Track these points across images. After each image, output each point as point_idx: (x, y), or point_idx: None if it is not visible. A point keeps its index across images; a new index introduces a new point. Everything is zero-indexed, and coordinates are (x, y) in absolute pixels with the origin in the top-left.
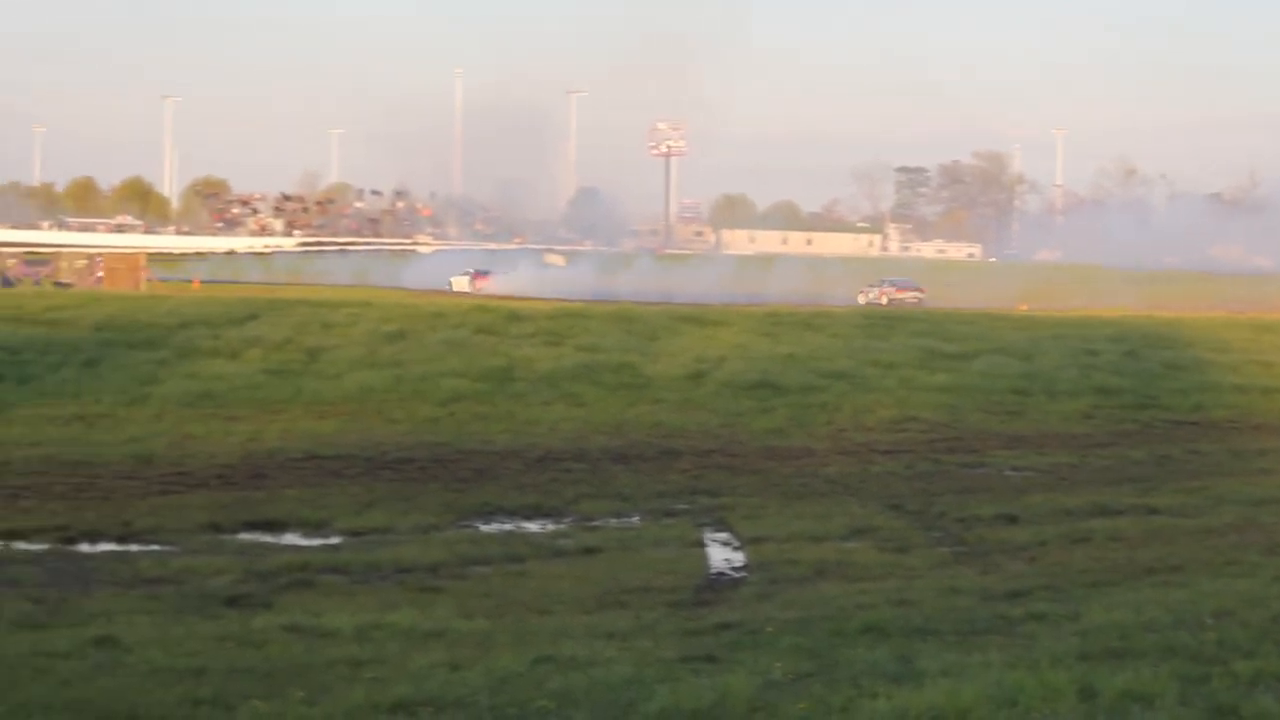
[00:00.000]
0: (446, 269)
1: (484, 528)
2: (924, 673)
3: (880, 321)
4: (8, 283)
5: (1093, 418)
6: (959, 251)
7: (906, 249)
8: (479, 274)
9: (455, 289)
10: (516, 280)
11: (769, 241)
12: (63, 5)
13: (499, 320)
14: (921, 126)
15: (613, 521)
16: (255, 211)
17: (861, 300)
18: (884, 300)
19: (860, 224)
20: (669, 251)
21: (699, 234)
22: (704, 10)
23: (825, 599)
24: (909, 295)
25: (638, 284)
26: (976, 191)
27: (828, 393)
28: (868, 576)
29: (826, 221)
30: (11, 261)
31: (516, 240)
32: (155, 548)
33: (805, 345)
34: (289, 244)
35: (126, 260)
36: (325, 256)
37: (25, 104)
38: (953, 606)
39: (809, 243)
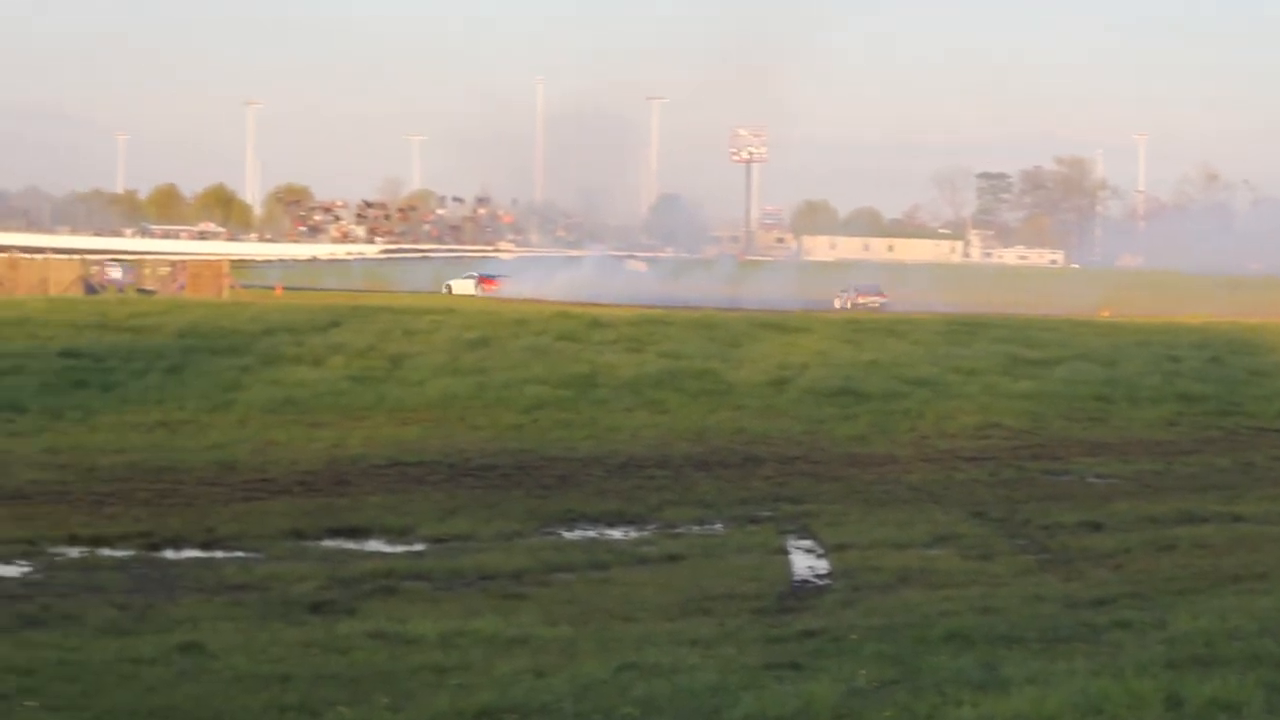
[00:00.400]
0: (526, 274)
1: (567, 535)
2: (1009, 680)
3: (962, 328)
4: (92, 290)
5: (1176, 424)
6: (1041, 258)
7: (988, 255)
8: (485, 278)
9: (455, 292)
10: (548, 284)
11: (850, 248)
12: (145, 12)
13: (581, 327)
14: (1003, 132)
15: (695, 528)
16: (337, 218)
17: (837, 304)
18: (848, 305)
19: (942, 230)
20: (750, 258)
21: (780, 240)
22: (785, 17)
23: (909, 606)
24: (871, 300)
25: (692, 290)
26: (1059, 197)
27: (910, 399)
28: (951, 584)
29: (908, 228)
30: (95, 269)
31: (598, 247)
32: (239, 554)
33: (887, 352)
34: (371, 251)
35: (210, 267)
36: (406, 263)
37: (108, 111)
38: (1037, 614)
39: (890, 249)
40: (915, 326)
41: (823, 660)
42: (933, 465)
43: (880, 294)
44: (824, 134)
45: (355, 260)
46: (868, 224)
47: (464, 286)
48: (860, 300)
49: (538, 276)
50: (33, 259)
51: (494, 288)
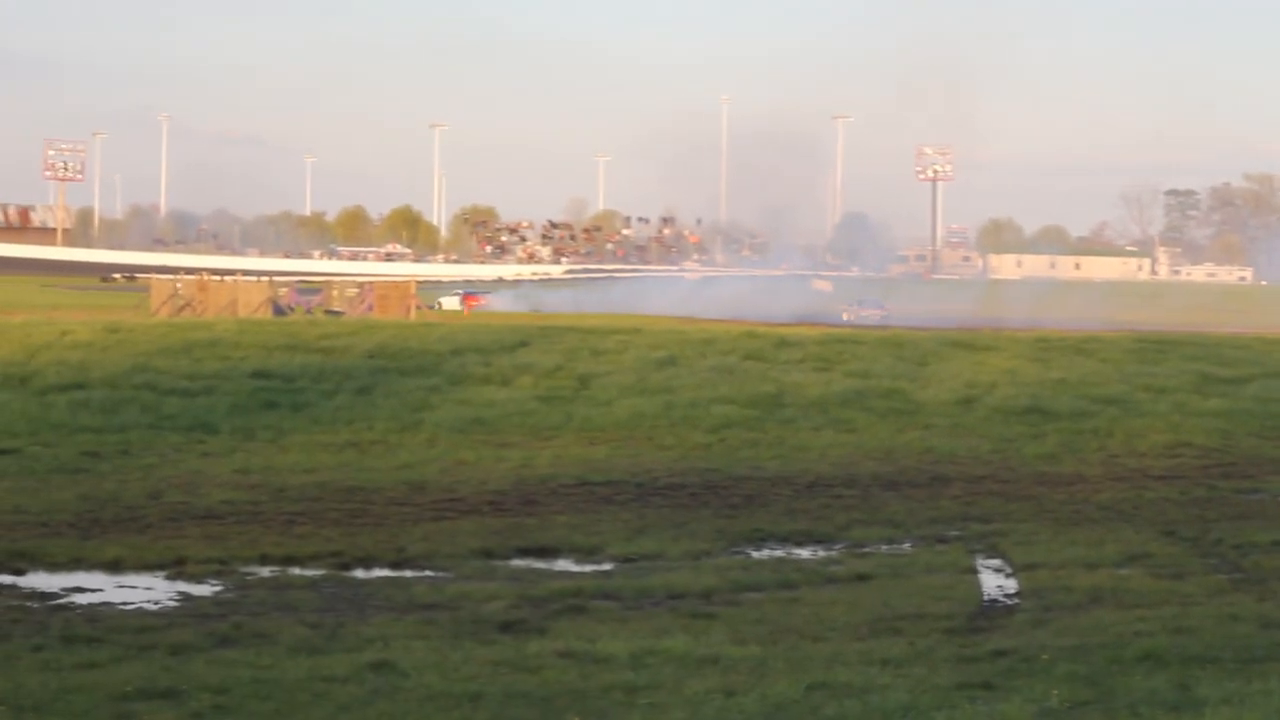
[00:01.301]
0: (708, 294)
1: (755, 554)
2: (1204, 701)
3: (1152, 346)
4: (280, 311)
5: None
6: (1229, 275)
7: (1177, 273)
8: (469, 295)
9: (445, 308)
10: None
11: (1036, 265)
12: (330, 36)
13: (768, 346)
14: (1191, 149)
15: (884, 548)
16: (523, 239)
17: (845, 317)
18: (848, 317)
19: (1129, 248)
20: (936, 276)
21: (966, 259)
22: (970, 35)
23: (1101, 626)
24: (868, 312)
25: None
26: (1247, 214)
27: (1099, 418)
28: (1143, 603)
29: (1095, 245)
30: (284, 290)
31: (783, 266)
32: (429, 573)
33: (1076, 370)
34: (556, 271)
35: (397, 288)
36: (593, 283)
37: (296, 135)
38: (1231, 634)
39: (1077, 267)
40: (1104, 345)
41: (1015, 680)
42: (1122, 484)
43: (880, 308)
44: (1010, 152)
45: (540, 281)
46: (1054, 242)
47: (451, 303)
48: (862, 312)
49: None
50: (222, 281)
51: (475, 304)
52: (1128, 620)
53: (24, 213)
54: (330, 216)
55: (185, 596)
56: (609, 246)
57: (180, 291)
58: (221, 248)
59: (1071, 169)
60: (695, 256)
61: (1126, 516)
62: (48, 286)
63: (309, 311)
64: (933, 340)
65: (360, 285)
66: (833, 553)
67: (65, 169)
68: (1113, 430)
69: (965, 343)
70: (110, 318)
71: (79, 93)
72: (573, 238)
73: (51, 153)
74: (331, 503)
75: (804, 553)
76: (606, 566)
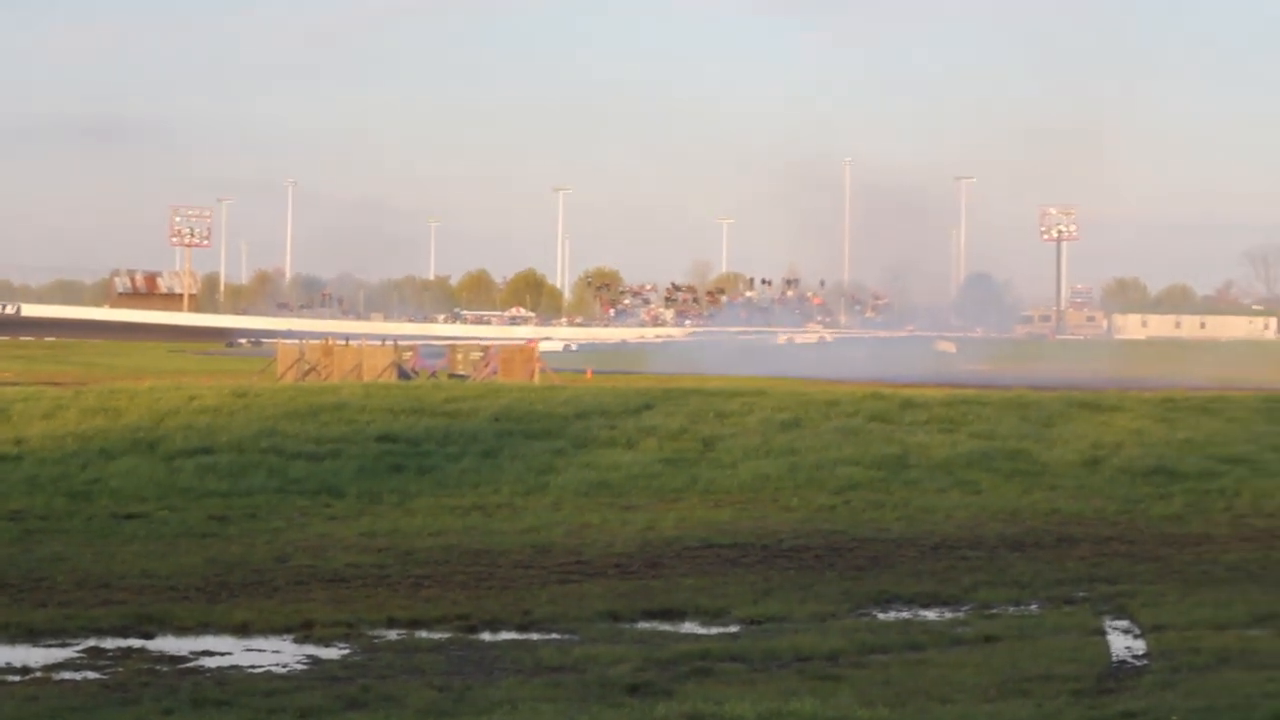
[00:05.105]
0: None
1: (881, 616)
2: None
3: None
4: (405, 375)
5: None
6: None
7: None
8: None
9: None
10: None
11: (1162, 325)
12: (454, 103)
13: (892, 408)
14: None
15: (1011, 609)
16: (646, 302)
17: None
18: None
19: (1255, 307)
20: (1061, 337)
21: (1091, 319)
22: (1092, 95)
23: (1230, 687)
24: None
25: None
26: None
27: (1227, 478)
28: (1273, 664)
29: (1220, 305)
30: (408, 355)
31: (908, 327)
32: (555, 636)
33: (1202, 430)
34: (679, 333)
35: (521, 351)
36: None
37: (420, 199)
38: None
39: (1203, 326)
40: (1231, 404)
41: None
42: (1250, 544)
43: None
44: (1135, 210)
45: (663, 343)
46: (1179, 301)
47: None
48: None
49: None
50: (347, 345)
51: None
52: (1257, 681)
53: (150, 279)
54: (454, 280)
55: (313, 659)
56: (733, 309)
57: (305, 356)
58: (346, 312)
59: (1197, 228)
60: (818, 318)
61: (1255, 577)
62: (174, 351)
63: (433, 375)
64: (1058, 401)
65: (484, 349)
66: (959, 614)
67: (191, 235)
68: (1240, 490)
69: (1091, 403)
70: (237, 382)
71: (204, 159)
72: (695, 300)
73: (178, 219)
74: (458, 566)
75: (930, 614)
76: (733, 629)
